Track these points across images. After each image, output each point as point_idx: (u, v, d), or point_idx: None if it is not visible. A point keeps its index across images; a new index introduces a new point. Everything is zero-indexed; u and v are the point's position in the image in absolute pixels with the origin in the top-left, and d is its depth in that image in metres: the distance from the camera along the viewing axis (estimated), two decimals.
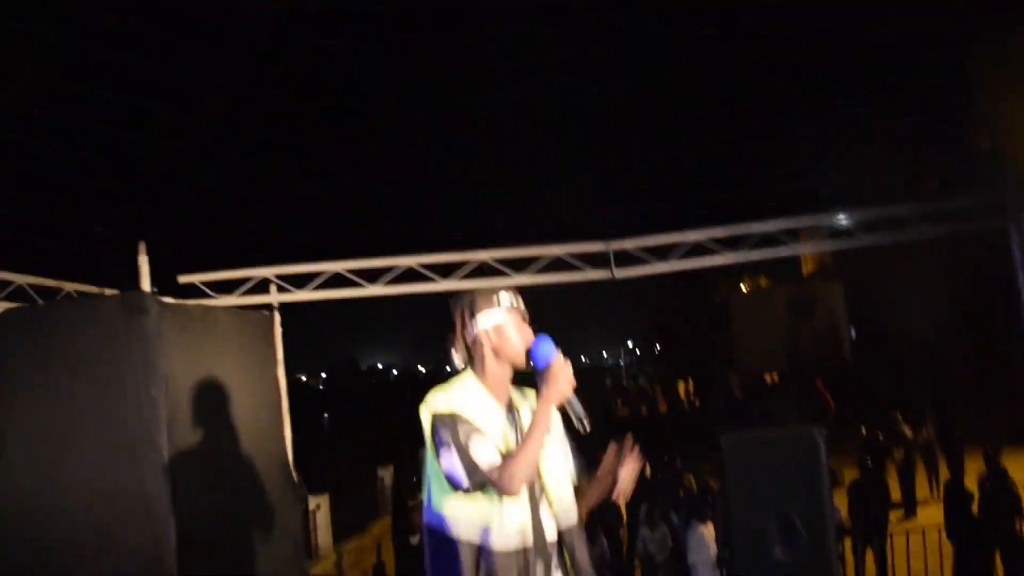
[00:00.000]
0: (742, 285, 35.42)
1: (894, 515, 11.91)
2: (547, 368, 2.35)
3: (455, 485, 2.27)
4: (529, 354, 2.44)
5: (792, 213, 6.34)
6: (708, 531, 8.25)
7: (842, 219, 6.47)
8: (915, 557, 8.96)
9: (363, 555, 10.93)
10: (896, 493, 12.41)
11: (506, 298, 2.48)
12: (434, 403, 2.36)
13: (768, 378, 29.21)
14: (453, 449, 2.25)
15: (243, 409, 5.57)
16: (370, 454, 15.95)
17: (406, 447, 16.45)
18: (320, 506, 10.03)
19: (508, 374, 2.49)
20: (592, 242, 6.15)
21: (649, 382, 43.97)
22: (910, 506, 12.20)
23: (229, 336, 5.68)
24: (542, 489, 2.42)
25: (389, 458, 13.19)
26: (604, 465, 2.61)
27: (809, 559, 3.83)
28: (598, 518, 9.75)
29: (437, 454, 2.29)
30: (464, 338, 2.47)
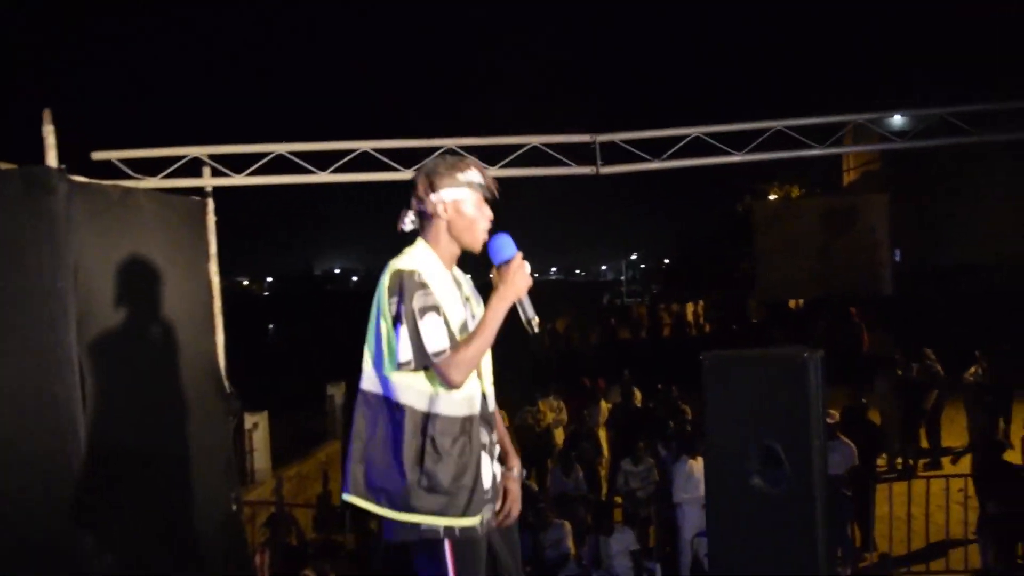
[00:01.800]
0: (771, 195, 35.57)
1: (921, 462, 12.50)
2: (505, 264, 2.64)
3: (393, 358, 2.59)
4: (487, 248, 2.72)
5: (822, 112, 6.47)
6: (698, 466, 8.68)
7: (872, 119, 6.60)
8: (936, 506, 9.49)
9: (306, 482, 11.39)
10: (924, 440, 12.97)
11: (473, 174, 2.73)
12: (398, 263, 2.64)
13: (793, 304, 29.76)
14: (405, 322, 2.55)
15: (168, 307, 5.79)
16: (320, 370, 16.32)
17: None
18: (258, 425, 10.38)
19: (456, 254, 2.79)
20: (576, 134, 6.29)
21: (652, 302, 44.68)
22: (936, 453, 12.74)
23: (152, 223, 5.85)
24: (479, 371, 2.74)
25: (342, 374, 13.53)
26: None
27: (790, 493, 4.15)
28: (573, 447, 10.22)
29: (393, 322, 2.58)
30: (421, 204, 2.73)
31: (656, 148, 6.23)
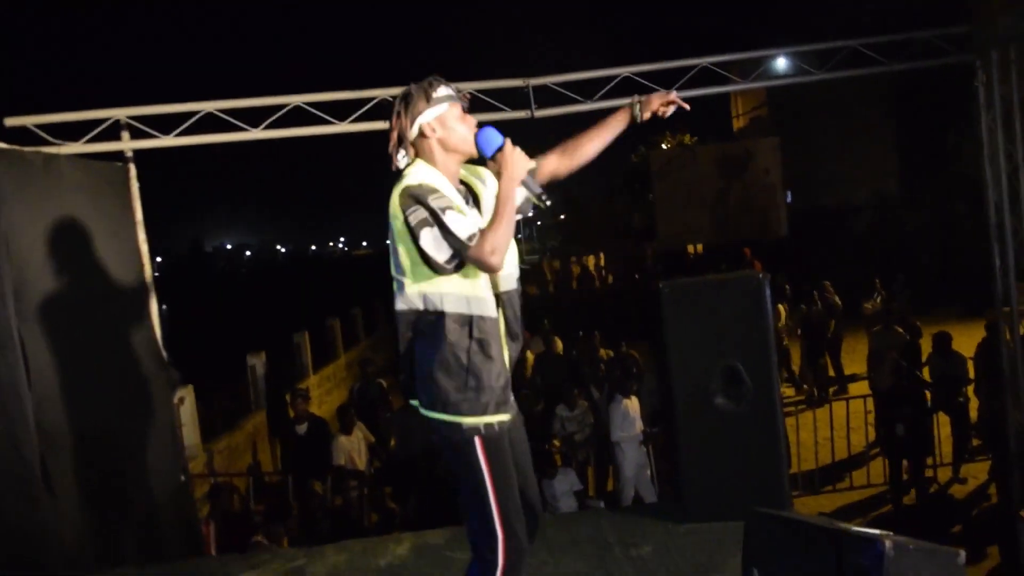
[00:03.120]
0: (663, 144, 36.20)
1: (830, 389, 13.12)
2: (499, 152, 2.73)
3: (434, 264, 2.63)
4: (476, 143, 2.79)
5: (730, 49, 6.66)
6: (633, 406, 8.93)
7: (783, 54, 6.81)
8: (844, 427, 10.03)
9: (236, 454, 11.22)
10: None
11: (444, 89, 2.81)
12: (404, 182, 2.68)
13: (691, 249, 30.49)
14: (433, 223, 2.59)
15: (101, 276, 5.63)
16: (234, 342, 16.04)
17: (278, 332, 16.63)
18: (184, 400, 10.11)
19: (457, 167, 2.85)
20: (510, 79, 6.32)
21: (552, 257, 45.19)
22: (841, 380, 13.39)
23: (77, 189, 5.64)
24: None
25: (259, 345, 13.31)
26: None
27: (753, 408, 4.33)
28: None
29: (414, 233, 2.61)
30: (406, 137, 2.79)
31: (589, 90, 6.31)
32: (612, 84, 6.28)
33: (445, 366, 2.67)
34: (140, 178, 6.28)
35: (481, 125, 2.84)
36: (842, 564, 2.90)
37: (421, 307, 2.71)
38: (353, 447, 9.07)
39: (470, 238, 2.59)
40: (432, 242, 2.61)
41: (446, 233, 2.60)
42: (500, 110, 6.19)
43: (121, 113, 5.90)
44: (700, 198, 23.62)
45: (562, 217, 54.61)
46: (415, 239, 2.62)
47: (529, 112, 6.18)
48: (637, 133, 35.10)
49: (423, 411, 2.74)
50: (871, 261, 19.36)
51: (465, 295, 2.69)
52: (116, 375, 5.65)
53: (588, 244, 39.91)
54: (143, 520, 5.73)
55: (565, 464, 8.73)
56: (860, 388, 12.30)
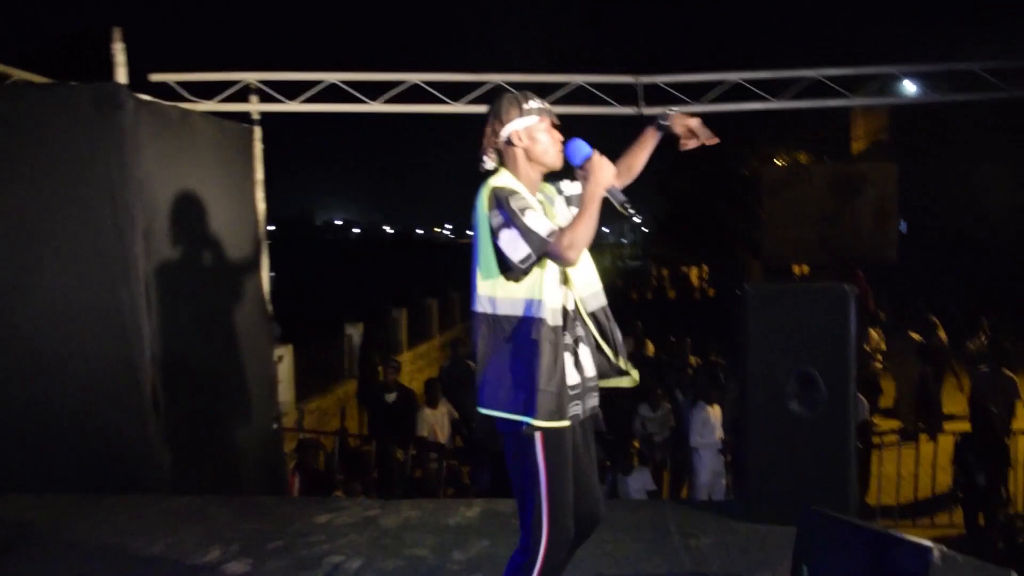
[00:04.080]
0: (776, 160, 35.57)
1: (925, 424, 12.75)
2: (586, 162, 2.89)
3: (507, 265, 2.81)
4: (565, 153, 2.97)
5: (850, 63, 6.64)
6: (715, 413, 8.96)
7: (908, 72, 6.74)
8: (932, 465, 9.79)
9: (325, 417, 11.67)
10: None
11: (535, 102, 2.99)
12: (491, 182, 2.89)
13: (797, 269, 29.95)
14: (513, 224, 2.77)
15: (222, 229, 6.03)
16: (330, 313, 16.57)
17: (375, 307, 17.10)
18: (283, 358, 10.61)
19: (539, 178, 3.04)
20: (620, 74, 6.47)
21: (657, 265, 44.96)
22: (938, 418, 13.02)
23: (207, 144, 6.06)
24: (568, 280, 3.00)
25: (357, 317, 13.77)
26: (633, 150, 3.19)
27: (826, 416, 4.39)
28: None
29: (494, 234, 2.81)
30: (496, 143, 2.98)
31: (697, 92, 6.40)
32: (723, 88, 6.36)
33: (504, 371, 2.83)
34: (268, 143, 6.69)
35: (568, 139, 2.98)
36: (890, 566, 2.98)
37: (489, 309, 2.88)
38: (437, 420, 9.36)
39: (550, 234, 2.75)
40: (509, 243, 2.77)
41: (525, 231, 2.75)
42: (608, 104, 6.34)
43: (252, 77, 6.29)
44: (810, 218, 23.19)
45: (668, 225, 54.19)
46: (494, 239, 2.80)
47: (637, 109, 6.31)
48: (749, 145, 34.62)
49: (482, 409, 2.90)
50: (983, 299, 18.71)
51: (531, 300, 2.82)
52: (225, 320, 6.05)
53: (693, 254, 39.54)
54: (235, 457, 6.10)
55: (642, 463, 8.82)
56: (955, 428, 11.97)
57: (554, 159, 2.97)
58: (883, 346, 13.57)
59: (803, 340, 4.47)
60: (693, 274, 35.35)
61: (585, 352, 3.03)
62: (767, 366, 4.53)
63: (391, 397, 9.50)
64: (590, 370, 3.03)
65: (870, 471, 9.56)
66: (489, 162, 3.00)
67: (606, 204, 2.90)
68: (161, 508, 4.90)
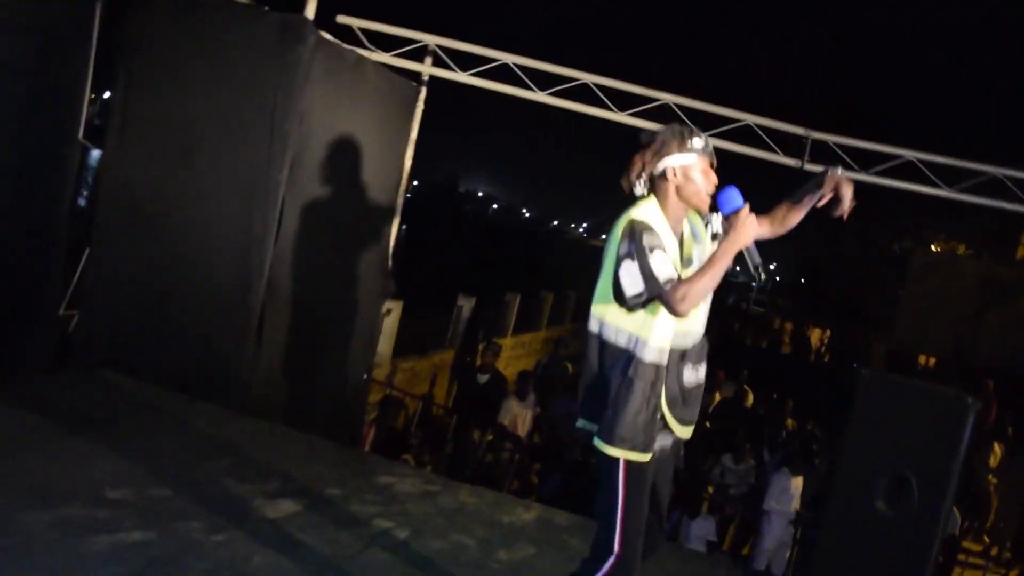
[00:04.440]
0: (933, 245, 34.12)
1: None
2: (734, 214, 2.86)
3: (621, 295, 2.82)
4: (716, 199, 2.93)
5: None
6: (797, 483, 8.67)
7: None
8: None
9: (416, 379, 11.83)
10: None
11: (699, 142, 2.95)
12: (633, 212, 2.90)
13: (923, 359, 28.72)
14: (636, 258, 2.78)
15: (366, 176, 6.16)
16: (448, 281, 16.79)
17: (492, 285, 17.23)
18: (391, 312, 10.79)
19: (683, 215, 3.00)
20: (792, 123, 6.28)
21: (780, 316, 43.81)
22: None
23: (373, 94, 6.18)
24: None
25: (473, 290, 13.88)
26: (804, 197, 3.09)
27: (913, 525, 4.17)
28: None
29: (618, 261, 2.82)
30: (651, 170, 2.96)
31: (867, 161, 6.16)
32: (893, 163, 6.10)
33: (601, 393, 2.87)
34: (429, 103, 6.79)
35: (723, 186, 2.93)
36: None
37: (597, 331, 2.91)
38: (520, 413, 9.36)
39: (667, 281, 2.73)
40: (628, 274, 2.78)
41: (645, 270, 2.75)
42: (772, 150, 6.17)
43: (431, 40, 6.38)
44: (951, 311, 22.16)
45: (802, 280, 52.75)
46: (617, 266, 2.81)
47: (800, 162, 6.12)
48: (906, 221, 33.30)
49: (580, 421, 2.98)
50: None
51: (636, 335, 2.84)
52: (345, 265, 6.19)
53: (819, 315, 38.39)
54: (320, 397, 6.25)
55: (710, 512, 8.62)
56: None
57: (704, 202, 2.94)
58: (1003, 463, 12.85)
59: (909, 441, 4.25)
60: (814, 335, 34.28)
61: (683, 387, 3.01)
62: (864, 457, 4.32)
63: (483, 379, 9.56)
64: (685, 404, 3.02)
65: None
66: (640, 188, 2.98)
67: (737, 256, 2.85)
68: (240, 426, 5.06)
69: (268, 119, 5.29)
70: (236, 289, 5.36)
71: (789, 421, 11.41)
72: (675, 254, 2.92)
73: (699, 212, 3.00)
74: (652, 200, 2.94)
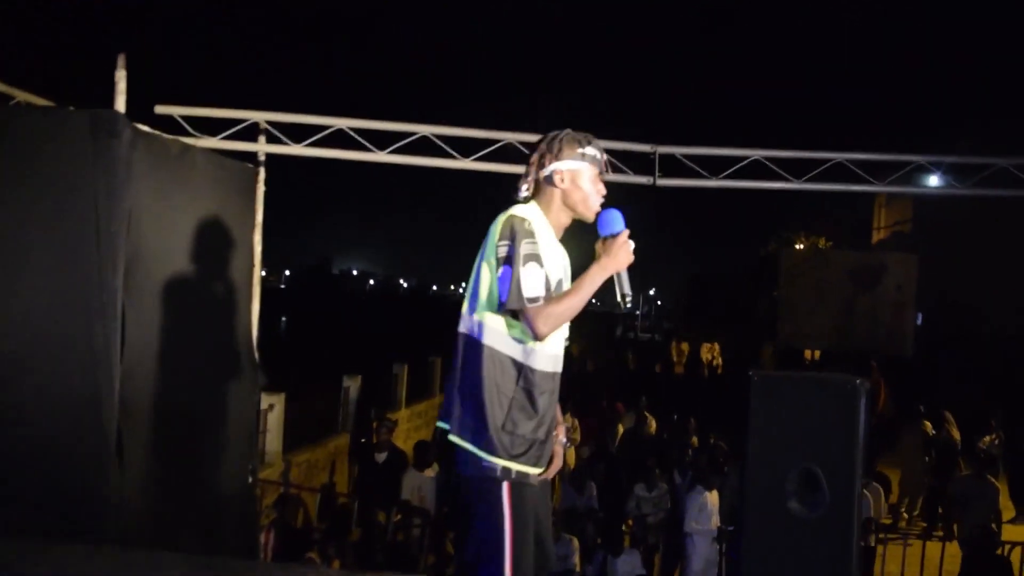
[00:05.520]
0: (796, 244, 35.44)
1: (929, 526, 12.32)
2: (612, 237, 2.76)
3: (501, 299, 2.68)
4: (597, 219, 2.84)
5: (875, 149, 6.44)
6: (713, 499, 8.61)
7: (935, 162, 6.54)
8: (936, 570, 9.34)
9: (313, 471, 11.34)
10: None
11: (592, 149, 2.88)
12: (514, 210, 2.76)
13: (808, 355, 29.62)
14: (511, 265, 2.64)
15: (212, 268, 5.80)
16: (334, 363, 16.36)
17: (379, 360, 16.86)
18: (274, 407, 10.34)
19: (565, 224, 2.89)
20: (636, 143, 6.29)
21: (668, 339, 44.58)
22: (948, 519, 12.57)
23: (206, 182, 5.85)
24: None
25: (357, 369, 13.52)
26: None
27: (829, 519, 4.07)
28: (588, 468, 10.14)
29: (498, 264, 2.67)
30: (539, 172, 2.85)
31: (715, 166, 6.21)
32: (742, 164, 6.16)
33: (488, 402, 2.66)
34: (278, 190, 6.52)
35: (608, 206, 2.88)
36: None
37: (479, 336, 2.72)
38: (425, 484, 9.03)
39: (532, 300, 2.61)
40: (503, 280, 2.66)
41: (516, 281, 2.62)
42: (622, 172, 6.14)
43: (260, 116, 6.14)
44: (826, 304, 22.92)
45: (682, 301, 54.00)
46: (496, 268, 2.68)
47: (652, 179, 6.11)
48: (769, 227, 34.52)
49: (453, 437, 2.72)
50: (1001, 396, 18.27)
51: (525, 343, 2.70)
52: (205, 365, 5.79)
53: (706, 330, 39.22)
54: (204, 510, 5.79)
55: (633, 545, 8.45)
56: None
57: (589, 210, 2.84)
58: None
59: (809, 435, 4.17)
60: (704, 350, 34.94)
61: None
62: (768, 461, 4.22)
63: (381, 457, 9.21)
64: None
65: (871, 571, 9.16)
66: (524, 191, 2.86)
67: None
68: (114, 561, 4.59)
69: (92, 225, 4.90)
70: (87, 412, 4.92)
71: (694, 439, 11.41)
72: (556, 263, 2.78)
73: (584, 220, 2.87)
74: (533, 204, 2.81)
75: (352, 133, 6.12)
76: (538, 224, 2.73)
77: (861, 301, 22.71)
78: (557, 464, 2.95)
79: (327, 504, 9.70)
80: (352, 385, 12.94)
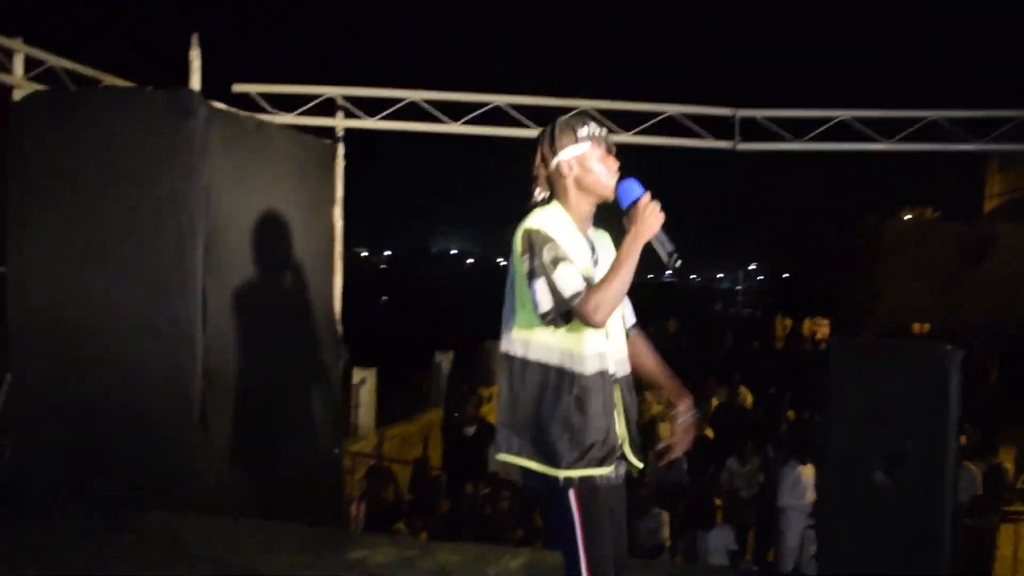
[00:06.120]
0: (903, 215, 34.04)
1: None
2: (633, 205, 2.59)
3: (541, 314, 2.58)
4: (616, 192, 2.68)
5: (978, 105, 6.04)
6: (808, 473, 8.30)
7: None
8: None
9: (407, 444, 11.44)
10: None
11: (586, 129, 2.70)
12: (527, 223, 2.64)
13: (918, 327, 28.50)
14: (541, 273, 2.54)
15: (291, 243, 5.84)
16: (429, 339, 16.48)
17: (473, 337, 16.92)
18: (366, 381, 10.46)
19: (591, 209, 2.76)
20: (716, 106, 6.05)
21: (766, 315, 43.52)
22: None
23: (283, 158, 5.89)
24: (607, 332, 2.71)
25: (451, 345, 13.59)
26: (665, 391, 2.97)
27: (917, 494, 3.84)
28: None
29: (527, 277, 2.58)
30: (546, 171, 2.73)
31: (799, 128, 5.92)
32: (827, 126, 5.85)
33: (542, 415, 2.60)
34: (383, 171, 6.54)
35: (624, 177, 2.71)
36: None
37: (522, 353, 2.65)
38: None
39: (574, 296, 2.51)
40: (539, 291, 2.56)
41: (552, 286, 2.53)
42: (701, 137, 5.92)
43: (336, 91, 6.15)
44: (933, 277, 22.02)
45: (785, 275, 52.68)
46: (528, 284, 2.58)
47: (732, 144, 5.87)
48: (870, 201, 33.23)
49: (504, 455, 2.69)
50: None
51: (568, 350, 2.61)
52: (286, 339, 5.85)
53: (806, 307, 38.16)
54: (288, 479, 5.86)
55: (726, 520, 8.24)
56: None
57: (607, 189, 2.69)
58: None
59: (896, 405, 3.94)
60: (805, 325, 33.97)
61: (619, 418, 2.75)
62: (851, 429, 4.01)
63: (470, 430, 9.19)
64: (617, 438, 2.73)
65: (993, 553, 8.68)
66: (539, 194, 2.74)
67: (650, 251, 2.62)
68: (198, 526, 4.70)
69: (171, 204, 5.01)
70: (171, 385, 5.04)
71: (790, 413, 11.05)
72: (586, 256, 2.68)
73: (606, 201, 2.72)
74: (553, 204, 2.71)
75: (425, 105, 6.06)
76: (555, 226, 2.63)
77: (970, 274, 21.70)
78: (687, 439, 2.88)
79: (419, 477, 9.76)
80: (444, 361, 13.02)
